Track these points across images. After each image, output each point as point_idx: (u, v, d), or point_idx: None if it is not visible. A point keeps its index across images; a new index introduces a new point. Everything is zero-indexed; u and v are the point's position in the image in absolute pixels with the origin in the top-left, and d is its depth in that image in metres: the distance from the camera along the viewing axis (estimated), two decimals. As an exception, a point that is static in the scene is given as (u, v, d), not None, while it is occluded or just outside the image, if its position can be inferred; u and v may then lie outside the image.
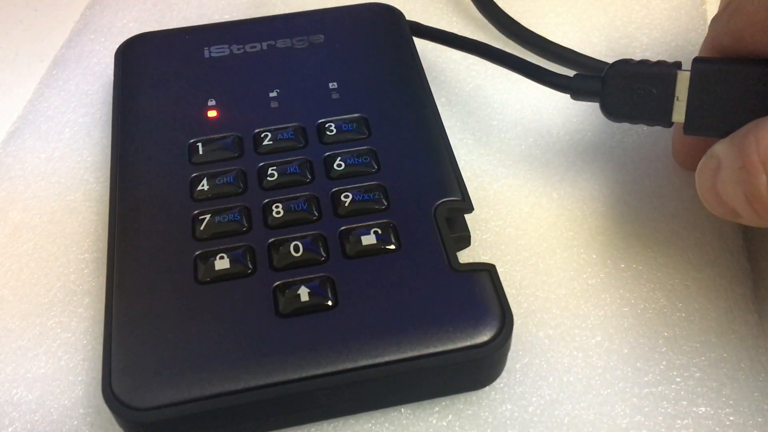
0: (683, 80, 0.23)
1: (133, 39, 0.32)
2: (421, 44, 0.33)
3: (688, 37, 0.34)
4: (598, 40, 0.34)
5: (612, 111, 0.25)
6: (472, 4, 0.35)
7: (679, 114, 0.23)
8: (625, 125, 0.30)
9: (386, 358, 0.22)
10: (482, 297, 0.23)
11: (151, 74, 0.30)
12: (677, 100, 0.23)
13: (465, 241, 0.26)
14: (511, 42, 0.34)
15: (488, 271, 0.23)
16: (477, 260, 0.26)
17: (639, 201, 0.28)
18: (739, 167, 0.21)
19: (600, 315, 0.25)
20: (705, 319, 0.25)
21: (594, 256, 0.27)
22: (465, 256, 0.26)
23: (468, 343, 0.22)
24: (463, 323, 0.22)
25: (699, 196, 0.23)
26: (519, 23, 0.33)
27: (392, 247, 0.24)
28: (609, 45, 0.34)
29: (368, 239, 0.24)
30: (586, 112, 0.31)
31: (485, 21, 0.35)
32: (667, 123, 0.24)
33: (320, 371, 0.21)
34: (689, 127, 0.23)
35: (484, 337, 0.22)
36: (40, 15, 0.38)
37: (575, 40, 0.34)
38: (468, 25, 0.35)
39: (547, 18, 0.35)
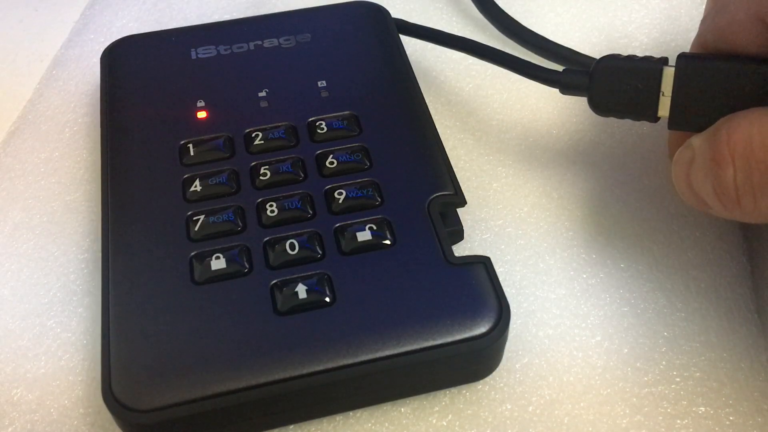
0: (668, 76, 0.23)
1: (119, 42, 0.32)
2: (420, 45, 0.33)
3: (688, 37, 0.34)
4: (598, 40, 0.34)
5: (599, 105, 0.25)
6: (472, 4, 0.35)
7: (664, 109, 0.24)
8: (625, 124, 0.30)
9: (386, 353, 0.22)
10: (478, 289, 0.23)
11: (138, 77, 0.30)
12: (663, 95, 0.23)
13: (458, 235, 0.26)
14: (510, 42, 0.34)
15: (483, 263, 0.24)
16: (477, 260, 0.26)
17: (639, 201, 0.28)
18: (710, 159, 0.21)
19: (600, 315, 0.25)
20: (705, 319, 0.25)
21: (594, 256, 0.27)
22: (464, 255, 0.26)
23: (466, 335, 0.22)
24: (460, 315, 0.22)
25: (674, 185, 0.23)
26: (519, 23, 0.34)
27: (387, 242, 0.24)
28: (609, 45, 0.34)
29: (363, 235, 0.24)
30: (586, 112, 0.31)
31: (485, 21, 0.35)
32: (653, 118, 0.24)
33: (320, 368, 0.21)
34: (674, 122, 0.24)
35: (482, 328, 0.22)
36: (40, 15, 0.38)
37: (575, 40, 0.34)
38: (468, 25, 0.35)
39: (547, 18, 0.35)
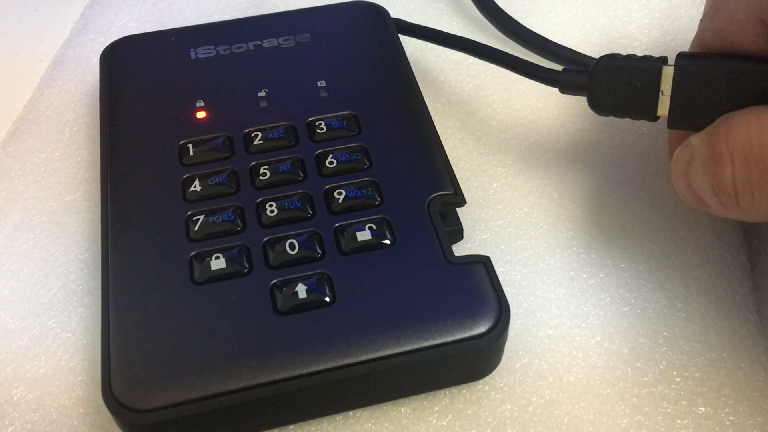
0: (668, 75, 0.23)
1: (118, 42, 0.32)
2: (420, 45, 0.33)
3: (688, 37, 0.34)
4: (598, 40, 0.34)
5: (598, 105, 0.25)
6: (472, 4, 0.35)
7: (663, 108, 0.24)
8: (625, 124, 0.30)
9: (386, 352, 0.22)
10: (478, 288, 0.23)
11: (138, 77, 0.30)
12: (662, 94, 0.23)
13: (458, 234, 0.26)
14: (510, 42, 0.34)
15: (483, 263, 0.24)
16: (477, 260, 0.26)
17: (639, 201, 0.28)
18: (708, 158, 0.21)
19: (600, 315, 0.25)
20: (705, 319, 0.25)
21: (594, 256, 0.27)
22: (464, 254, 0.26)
23: (466, 334, 0.22)
24: (460, 315, 0.22)
25: (673, 183, 0.23)
26: (519, 23, 0.34)
27: (387, 242, 0.24)
28: (609, 45, 0.34)
29: (363, 235, 0.24)
30: (586, 111, 0.31)
31: (485, 21, 0.35)
32: (653, 117, 0.24)
33: (320, 368, 0.21)
34: (673, 121, 0.24)
35: (482, 328, 0.22)
36: (40, 15, 0.38)
37: (575, 40, 0.34)
38: (468, 25, 0.35)
39: (547, 18, 0.35)
